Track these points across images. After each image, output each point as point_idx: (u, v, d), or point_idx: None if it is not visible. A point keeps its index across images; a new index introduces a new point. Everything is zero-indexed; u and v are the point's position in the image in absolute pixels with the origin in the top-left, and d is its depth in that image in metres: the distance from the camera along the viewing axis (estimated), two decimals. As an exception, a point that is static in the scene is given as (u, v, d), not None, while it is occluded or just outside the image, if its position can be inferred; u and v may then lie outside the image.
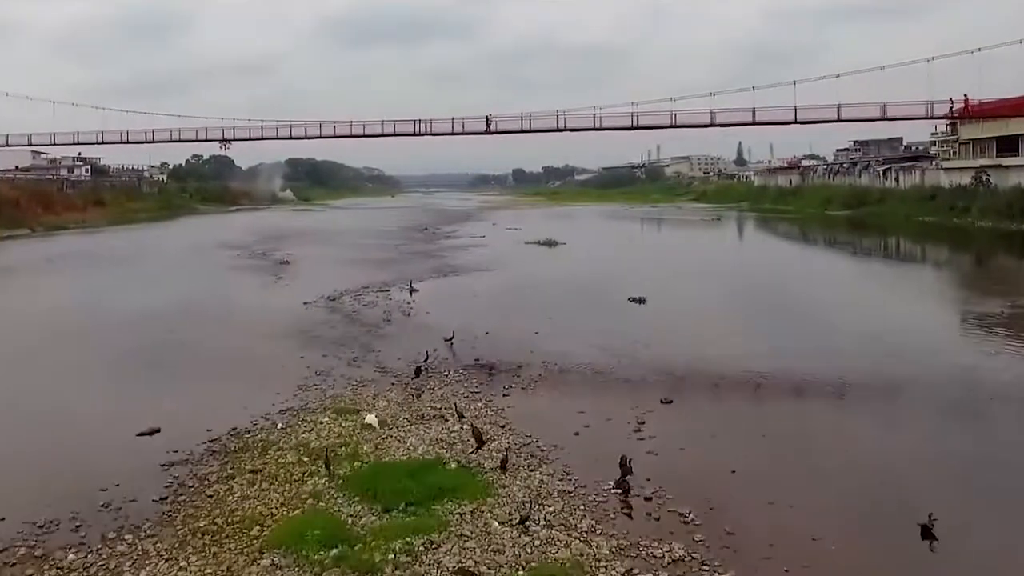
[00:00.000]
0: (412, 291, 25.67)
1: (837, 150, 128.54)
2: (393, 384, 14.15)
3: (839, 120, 54.70)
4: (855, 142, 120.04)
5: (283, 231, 56.31)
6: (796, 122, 54.45)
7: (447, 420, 11.90)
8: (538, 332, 18.59)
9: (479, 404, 12.86)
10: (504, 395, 13.49)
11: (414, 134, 51.42)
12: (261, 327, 19.76)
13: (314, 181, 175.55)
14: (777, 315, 21.95)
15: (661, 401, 12.94)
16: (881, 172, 76.19)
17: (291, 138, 55.43)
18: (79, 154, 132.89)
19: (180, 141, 78.35)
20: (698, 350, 16.90)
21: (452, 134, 50.79)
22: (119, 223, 70.47)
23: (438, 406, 12.69)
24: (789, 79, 55.61)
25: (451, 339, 17.48)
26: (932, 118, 60.49)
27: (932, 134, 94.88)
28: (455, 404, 12.51)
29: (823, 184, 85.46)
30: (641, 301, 22.86)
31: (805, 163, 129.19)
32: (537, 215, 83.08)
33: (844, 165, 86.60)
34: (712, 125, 54.29)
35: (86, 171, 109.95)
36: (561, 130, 49.15)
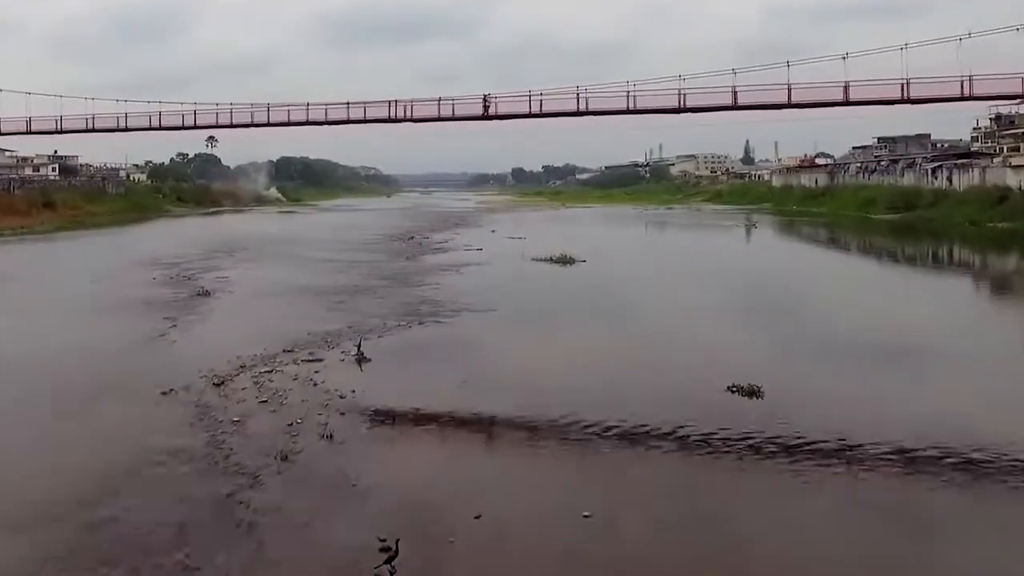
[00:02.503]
0: (360, 359, 15.50)
1: (853, 148, 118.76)
2: None
3: (906, 101, 43.79)
4: (879, 139, 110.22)
5: (242, 240, 46.01)
6: (847, 103, 44.05)
7: None
8: (590, 515, 8.40)
9: None
10: None
11: (389, 120, 39.89)
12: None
13: (307, 181, 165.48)
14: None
15: None
16: (930, 171, 65.95)
17: (252, 125, 43.77)
18: (55, 152, 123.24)
19: (150, 129, 66.39)
20: None
21: (439, 119, 39.16)
22: (68, 229, 60.18)
23: None
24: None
25: (390, 560, 7.21)
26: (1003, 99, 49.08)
27: (975, 128, 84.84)
28: None
29: (859, 184, 75.19)
30: (754, 394, 12.70)
31: (819, 161, 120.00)
32: (541, 219, 72.77)
33: (882, 163, 76.33)
34: (787, 106, 43.70)
35: (53, 170, 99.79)
36: (582, 113, 37.69)
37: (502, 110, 37.76)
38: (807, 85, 45.91)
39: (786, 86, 45.37)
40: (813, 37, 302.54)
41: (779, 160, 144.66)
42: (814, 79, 45.50)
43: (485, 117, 37.24)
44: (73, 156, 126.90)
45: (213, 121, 48.02)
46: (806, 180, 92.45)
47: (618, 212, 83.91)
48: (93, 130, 67.88)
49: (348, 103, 39.35)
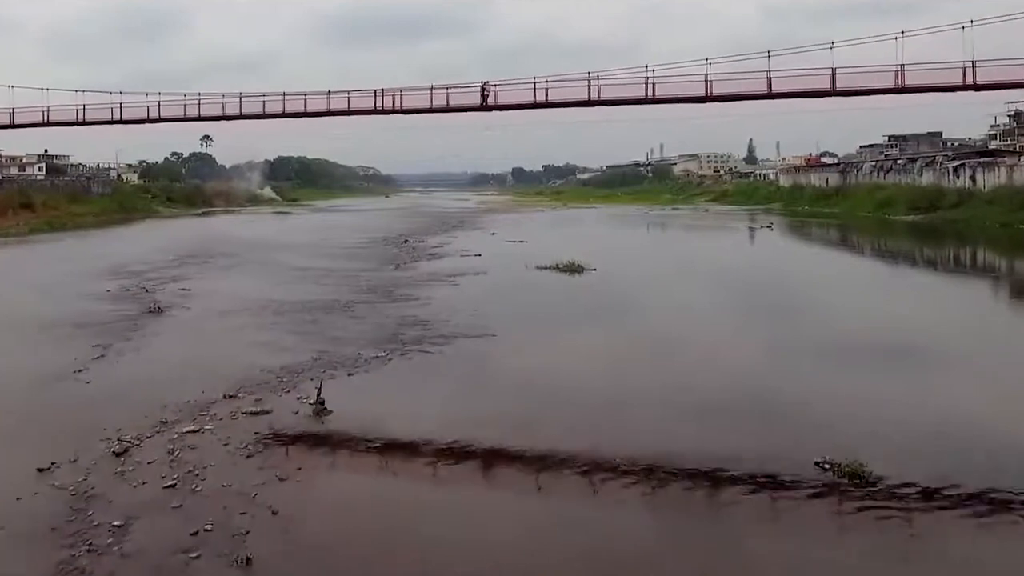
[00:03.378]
0: (320, 410, 11.81)
1: (861, 147, 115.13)
2: None
3: (969, 87, 38.19)
4: (890, 137, 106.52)
5: (223, 244, 42.32)
6: (901, 89, 38.46)
7: None
8: None
9: None
10: None
11: (376, 111, 35.45)
12: None
13: (304, 180, 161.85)
14: None
15: None
16: (951, 170, 62.20)
17: (223, 118, 38.83)
18: (45, 151, 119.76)
19: (135, 122, 59.65)
20: None
21: (431, 111, 34.51)
22: (44, 231, 56.53)
23: None
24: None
25: None
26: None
27: (992, 126, 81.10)
28: None
29: (875, 184, 71.41)
30: (857, 477, 9.01)
31: (825, 161, 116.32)
32: (543, 220, 69.06)
33: (898, 161, 72.55)
34: (830, 94, 38.02)
35: (39, 169, 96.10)
36: (593, 103, 32.96)
37: (503, 99, 33.12)
38: (854, 70, 39.15)
39: (828, 71, 39.34)
40: (812, 37, 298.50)
41: (784, 160, 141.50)
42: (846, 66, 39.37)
43: (484, 108, 32.75)
44: (64, 155, 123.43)
45: (180, 113, 42.92)
46: (816, 180, 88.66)
47: (622, 213, 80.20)
48: (83, 123, 61.14)
49: (329, 92, 35.17)
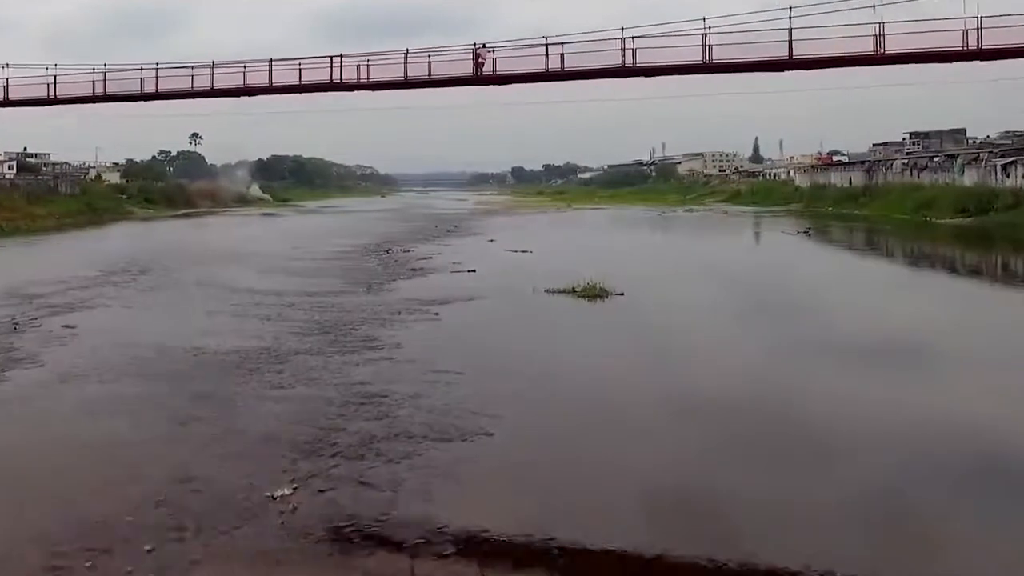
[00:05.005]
0: None
1: (873, 145, 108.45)
2: None
3: None
4: (911, 134, 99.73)
5: (171, 254, 35.33)
6: (974, 54, 28.89)
7: None
8: None
9: None
10: None
11: (334, 85, 26.69)
12: None
13: (298, 180, 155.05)
14: None
15: None
16: (999, 168, 55.15)
17: (141, 97, 29.48)
18: (24, 149, 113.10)
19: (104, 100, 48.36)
20: None
21: (407, 86, 25.38)
22: (-8, 235, 49.60)
23: None
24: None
25: None
26: None
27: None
28: None
29: (910, 184, 64.31)
30: None
31: (835, 159, 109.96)
32: (547, 223, 61.95)
33: (935, 159, 65.47)
34: (879, 60, 28.35)
35: (9, 168, 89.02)
36: (628, 72, 24.37)
37: (503, 69, 24.66)
38: (906, 31, 29.02)
39: (872, 32, 29.55)
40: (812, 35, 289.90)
41: (792, 158, 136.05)
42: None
43: (478, 80, 24.33)
44: (44, 153, 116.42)
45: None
46: (836, 179, 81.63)
47: (631, 214, 73.05)
48: (53, 101, 49.47)
49: (271, 60, 27.31)
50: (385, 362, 14.18)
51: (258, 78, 25.48)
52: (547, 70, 22.61)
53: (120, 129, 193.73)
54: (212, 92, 26.60)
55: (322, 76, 24.90)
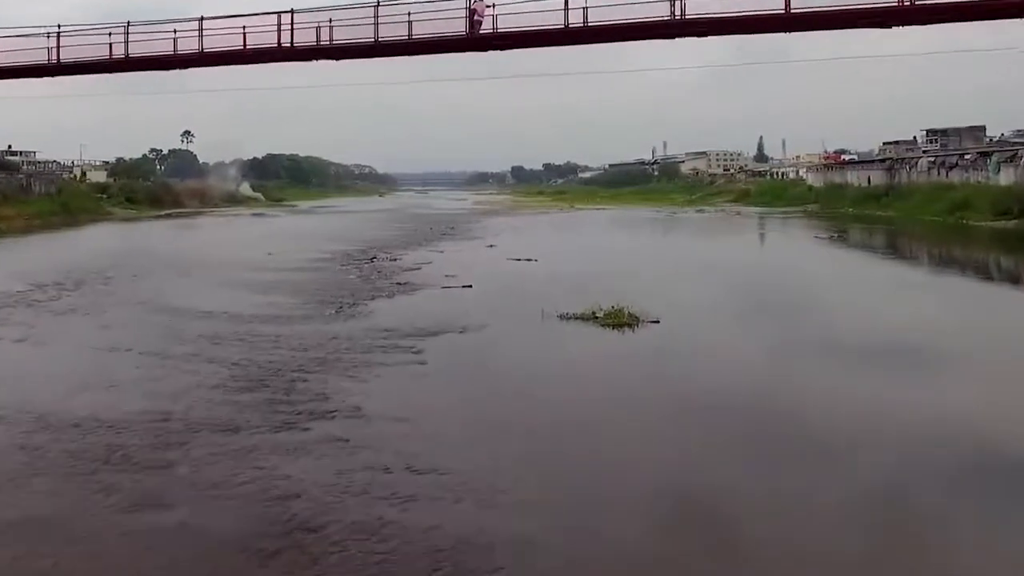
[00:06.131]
0: None
1: (884, 143, 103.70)
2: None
3: None
4: (928, 131, 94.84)
5: (122, 261, 30.41)
6: None
7: None
8: None
9: None
10: None
11: (284, 52, 20.70)
12: None
13: (295, 179, 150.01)
14: None
15: None
16: (1040, 165, 50.28)
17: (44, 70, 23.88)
18: (9, 146, 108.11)
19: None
20: None
21: (378, 52, 18.49)
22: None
23: None
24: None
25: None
26: None
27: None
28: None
29: (941, 183, 59.34)
30: None
31: (842, 158, 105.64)
32: (550, 226, 57.00)
33: (966, 156, 60.55)
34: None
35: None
36: (676, 29, 18.87)
37: (505, 27, 18.64)
38: None
39: None
40: (814, 36, 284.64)
41: (798, 157, 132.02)
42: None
43: (472, 42, 18.58)
44: (30, 151, 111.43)
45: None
46: (852, 178, 76.67)
47: (639, 216, 68.08)
48: None
49: (202, 18, 21.98)
50: (331, 451, 9.29)
51: (187, 44, 20.36)
52: (566, 26, 17.38)
53: (113, 127, 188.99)
54: (127, 63, 21.41)
55: (271, 40, 19.85)
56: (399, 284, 23.79)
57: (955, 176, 59.37)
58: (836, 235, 41.38)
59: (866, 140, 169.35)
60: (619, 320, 17.03)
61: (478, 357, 14.62)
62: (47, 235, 50.61)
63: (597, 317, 17.33)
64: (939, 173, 61.49)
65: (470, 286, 22.97)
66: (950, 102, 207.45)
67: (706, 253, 34.90)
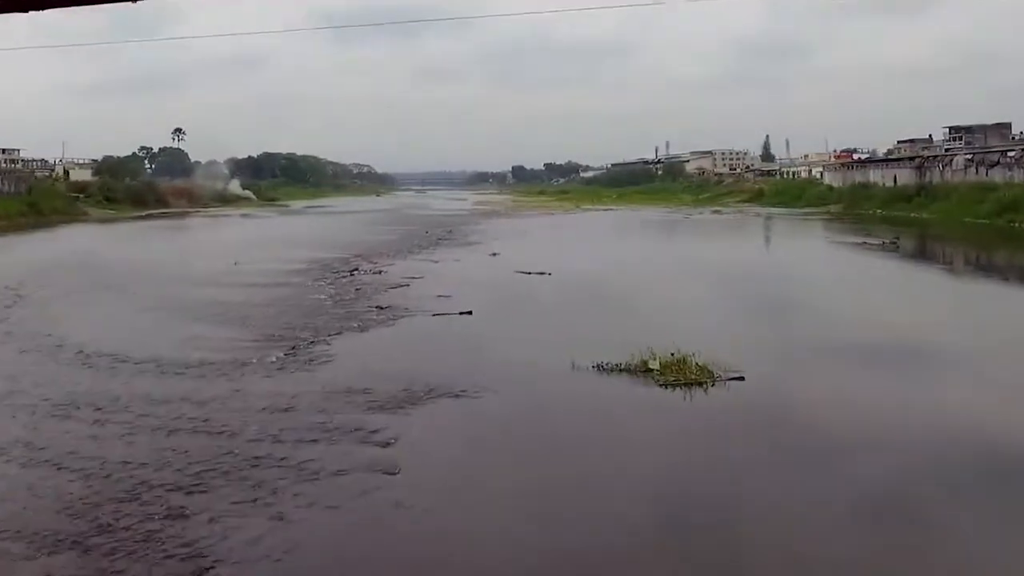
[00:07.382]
0: None
1: (898, 142, 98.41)
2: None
3: None
4: (951, 128, 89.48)
5: (54, 271, 24.97)
6: None
7: None
8: None
9: None
10: None
11: None
12: None
13: (291, 178, 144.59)
14: None
15: None
16: (1101, 163, 44.79)
17: None
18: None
19: None
20: None
21: None
22: None
23: None
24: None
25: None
26: None
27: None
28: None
29: (979, 183, 53.77)
30: None
31: (856, 156, 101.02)
32: (557, 229, 51.43)
33: (1009, 154, 55.04)
34: None
35: (-43, 164, 78.55)
36: None
37: None
38: None
39: None
40: (815, 35, 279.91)
41: (805, 156, 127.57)
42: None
43: None
44: (13, 149, 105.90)
45: None
46: (876, 177, 71.17)
47: (651, 218, 62.46)
48: None
49: None
50: None
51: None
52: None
53: (106, 125, 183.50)
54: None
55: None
56: (378, 309, 18.23)
57: (995, 175, 53.88)
58: (887, 242, 35.67)
59: (870, 139, 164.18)
60: (685, 375, 11.56)
61: (482, 456, 9.10)
62: (2, 239, 45.03)
63: (651, 369, 11.87)
64: (977, 171, 55.97)
65: (470, 312, 17.44)
66: (953, 102, 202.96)
67: (754, 267, 28.07)
